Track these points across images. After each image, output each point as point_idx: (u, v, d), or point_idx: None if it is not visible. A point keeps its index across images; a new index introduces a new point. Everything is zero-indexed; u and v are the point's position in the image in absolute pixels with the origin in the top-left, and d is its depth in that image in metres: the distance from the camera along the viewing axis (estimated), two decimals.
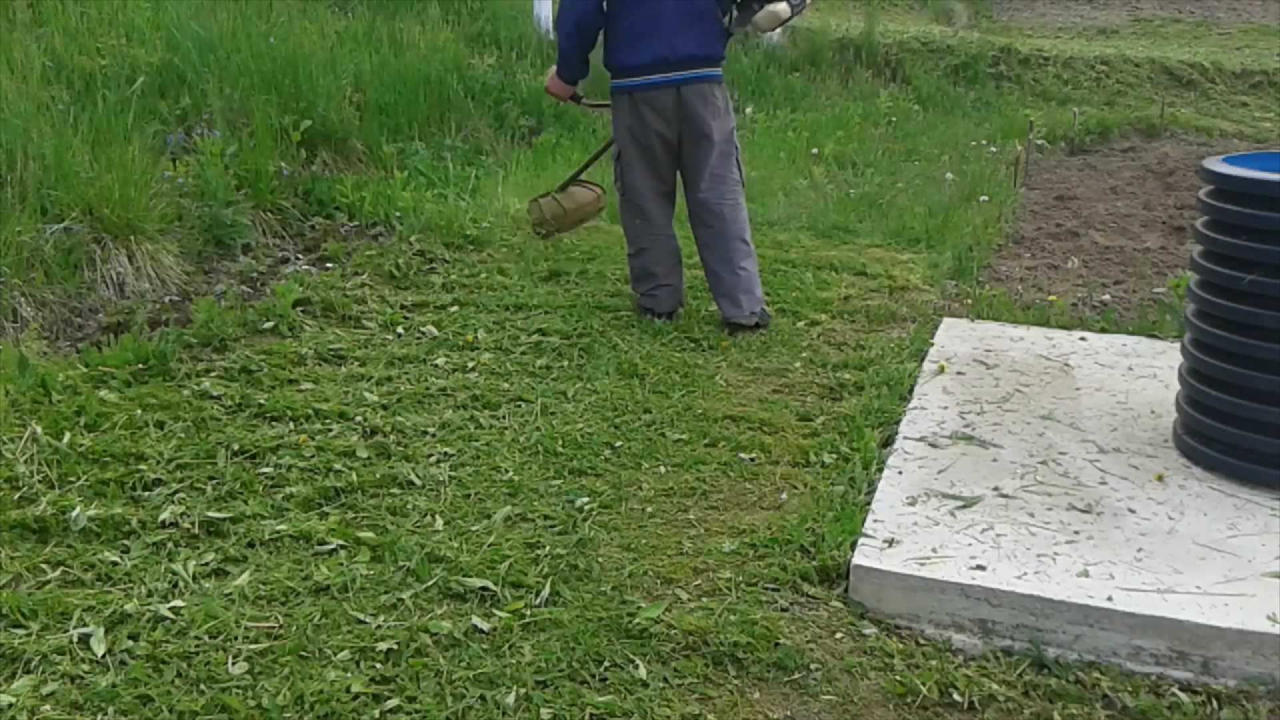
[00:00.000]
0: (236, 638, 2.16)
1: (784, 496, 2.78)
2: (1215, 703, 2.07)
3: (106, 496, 2.63)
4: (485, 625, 2.23)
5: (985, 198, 5.81)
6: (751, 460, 2.96)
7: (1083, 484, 2.69)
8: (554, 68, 4.10)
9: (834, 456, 2.96)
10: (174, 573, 2.36)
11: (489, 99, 6.93)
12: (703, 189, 3.94)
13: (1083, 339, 3.74)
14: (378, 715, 1.97)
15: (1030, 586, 2.24)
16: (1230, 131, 8.25)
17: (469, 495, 2.75)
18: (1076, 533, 2.46)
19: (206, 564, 2.40)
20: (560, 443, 3.01)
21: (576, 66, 4.02)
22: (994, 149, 7.07)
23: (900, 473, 2.76)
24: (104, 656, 2.09)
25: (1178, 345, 2.99)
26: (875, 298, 4.31)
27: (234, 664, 2.08)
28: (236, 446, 2.90)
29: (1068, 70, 9.53)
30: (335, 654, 2.12)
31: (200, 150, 4.60)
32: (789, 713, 2.05)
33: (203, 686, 2.03)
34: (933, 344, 3.68)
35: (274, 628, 2.20)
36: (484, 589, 2.34)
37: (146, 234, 4.07)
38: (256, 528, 2.54)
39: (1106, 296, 4.41)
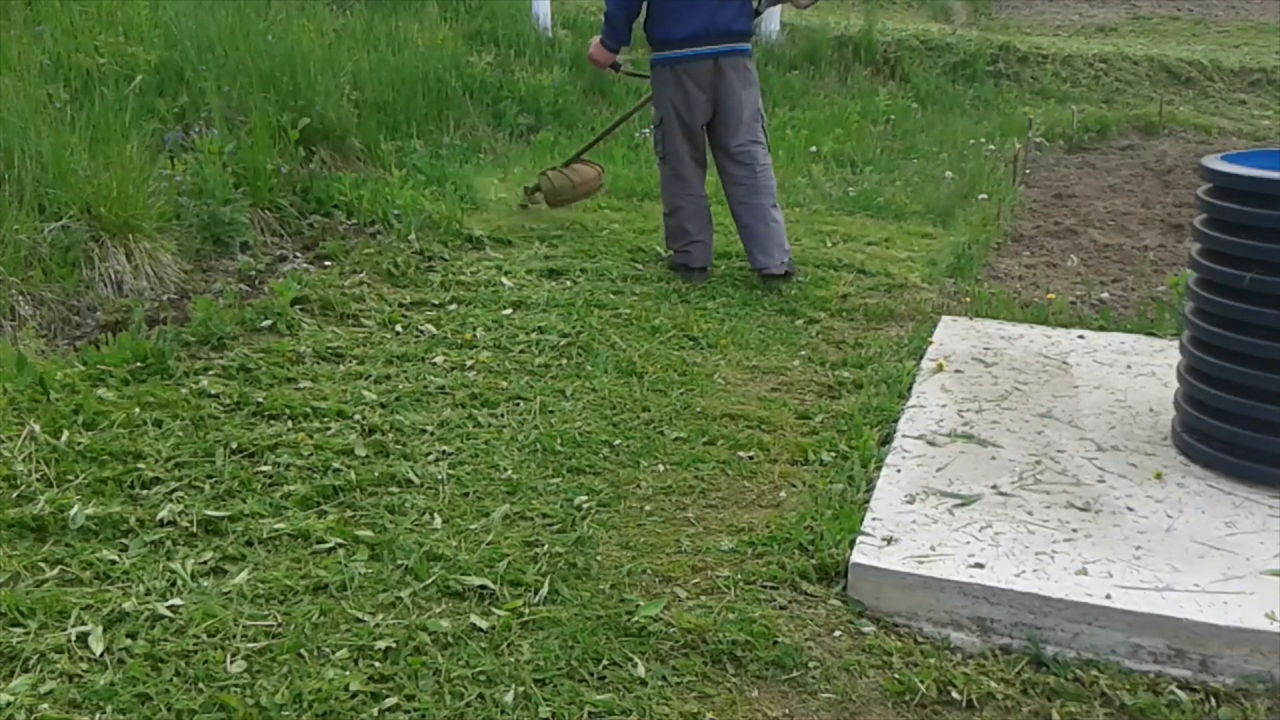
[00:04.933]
0: (235, 636, 2.16)
1: (783, 495, 2.78)
2: (1213, 700, 2.07)
3: (105, 495, 2.63)
4: (484, 623, 2.23)
5: (984, 196, 5.81)
6: (750, 458, 2.96)
7: (1081, 482, 2.70)
8: (597, 37, 4.48)
9: (833, 455, 2.97)
10: (172, 571, 2.36)
11: (487, 97, 6.92)
12: (736, 151, 4.33)
13: (1081, 337, 3.74)
14: (376, 714, 1.97)
15: (1029, 584, 2.24)
16: (1229, 129, 8.25)
17: (467, 494, 2.74)
18: (1075, 531, 2.46)
19: (205, 562, 2.40)
20: (559, 441, 3.01)
21: (622, 34, 4.40)
22: (992, 147, 7.07)
23: (899, 471, 2.76)
24: (102, 655, 2.09)
25: (1176, 343, 2.99)
26: (874, 296, 4.31)
27: (232, 662, 2.08)
28: (235, 445, 2.89)
29: (1066, 68, 9.53)
30: (334, 652, 2.12)
31: (198, 148, 4.59)
32: (788, 711, 2.05)
33: (201, 685, 2.03)
34: (931, 342, 3.68)
35: (272, 626, 2.20)
36: (482, 587, 2.34)
37: (144, 232, 4.06)
38: (255, 526, 2.54)
39: (1105, 294, 4.41)
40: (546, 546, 2.50)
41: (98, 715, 1.95)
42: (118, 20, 5.66)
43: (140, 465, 2.76)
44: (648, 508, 2.71)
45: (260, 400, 3.15)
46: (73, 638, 2.13)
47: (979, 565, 2.32)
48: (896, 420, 3.08)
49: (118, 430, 2.93)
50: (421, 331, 3.79)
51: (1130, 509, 2.56)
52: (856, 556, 2.37)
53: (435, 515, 2.63)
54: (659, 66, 4.31)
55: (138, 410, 3.04)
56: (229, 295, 3.94)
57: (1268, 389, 2.60)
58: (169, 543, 2.47)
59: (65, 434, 2.87)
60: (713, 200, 4.59)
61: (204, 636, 2.15)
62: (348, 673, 2.07)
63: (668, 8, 4.18)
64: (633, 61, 4.80)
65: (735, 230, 4.47)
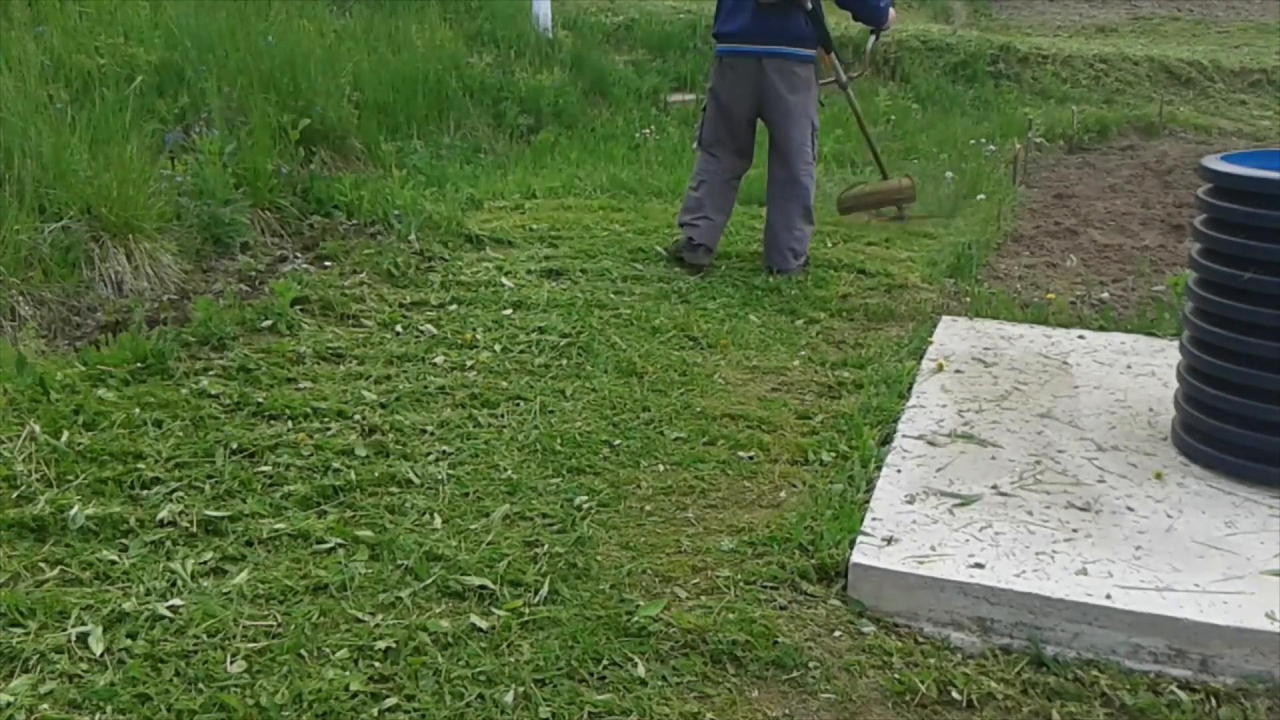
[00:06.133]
0: (235, 636, 2.16)
1: (783, 495, 2.78)
2: (1214, 700, 2.07)
3: (105, 495, 2.63)
4: (484, 624, 2.22)
5: (984, 196, 5.81)
6: (750, 458, 2.96)
7: (1081, 482, 2.69)
8: None
9: (833, 455, 2.96)
10: (172, 571, 2.36)
11: (487, 97, 6.93)
12: (778, 154, 4.52)
13: (1081, 337, 3.74)
14: (376, 714, 1.97)
15: (1029, 584, 2.24)
16: (1229, 129, 8.25)
17: (467, 494, 2.74)
18: (1075, 531, 2.46)
19: (205, 562, 2.40)
20: (559, 441, 3.01)
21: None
22: (993, 147, 7.07)
23: (899, 471, 2.76)
24: (102, 655, 2.09)
25: (1176, 343, 2.99)
26: (874, 296, 4.31)
27: (232, 663, 2.08)
28: (235, 445, 2.89)
29: (1066, 68, 9.53)
30: (334, 652, 2.12)
31: (199, 149, 4.59)
32: (788, 711, 2.05)
33: (201, 685, 2.03)
34: (931, 342, 3.68)
35: (272, 626, 2.20)
36: (482, 587, 2.34)
37: (145, 232, 4.06)
38: (255, 526, 2.54)
39: (1105, 294, 4.41)
40: (546, 546, 2.50)
41: (98, 715, 1.95)
42: (118, 21, 5.66)
43: (140, 465, 2.76)
44: (648, 508, 2.71)
45: (260, 400, 3.15)
46: (73, 638, 2.12)
47: (979, 565, 2.32)
48: (897, 420, 3.08)
49: (118, 430, 2.93)
50: (422, 332, 3.79)
51: (1130, 509, 2.56)
52: (856, 556, 2.37)
53: (435, 515, 2.63)
54: (715, 56, 4.58)
55: (138, 410, 3.04)
56: (229, 295, 3.94)
57: (1268, 389, 2.60)
58: (169, 543, 2.46)
59: (65, 434, 2.87)
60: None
61: (204, 637, 2.15)
62: (348, 673, 2.07)
63: (723, 4, 4.48)
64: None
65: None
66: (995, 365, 3.47)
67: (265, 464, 2.83)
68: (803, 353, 3.74)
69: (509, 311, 4.00)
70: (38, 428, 2.87)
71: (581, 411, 3.21)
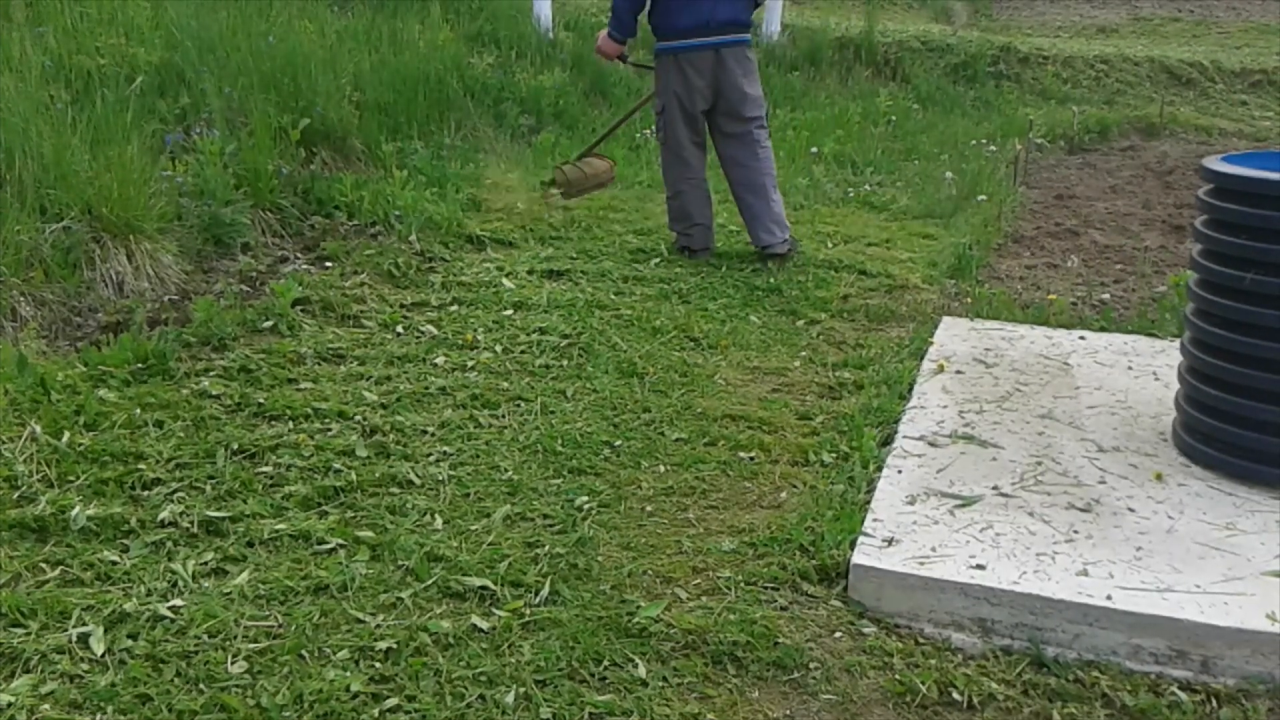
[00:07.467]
0: (236, 637, 2.16)
1: (783, 495, 2.78)
2: (1214, 701, 2.07)
3: (105, 496, 2.63)
4: (485, 624, 2.23)
5: (984, 197, 5.81)
6: (751, 459, 2.96)
7: (1082, 483, 2.69)
8: (604, 30, 4.69)
9: (833, 455, 2.97)
10: (173, 572, 2.36)
11: (488, 98, 6.92)
12: (739, 134, 4.57)
13: (1082, 338, 3.74)
14: (377, 714, 1.98)
15: (1029, 585, 2.24)
16: (1229, 130, 8.25)
17: (468, 494, 2.75)
18: (1076, 532, 2.46)
19: (206, 563, 2.40)
20: (560, 442, 3.01)
21: (628, 25, 4.60)
22: (993, 148, 7.07)
23: (900, 472, 2.76)
24: (103, 656, 2.09)
25: (1177, 344, 2.99)
26: (874, 297, 4.31)
27: (233, 663, 2.09)
28: (236, 446, 2.90)
29: (1067, 69, 9.53)
30: (334, 653, 2.12)
31: (199, 149, 4.59)
32: (788, 711, 2.05)
33: (202, 686, 2.03)
34: (932, 343, 3.68)
35: (273, 627, 2.20)
36: (483, 588, 2.34)
37: (145, 233, 4.06)
38: (256, 527, 2.54)
39: (1106, 295, 4.41)
40: (547, 547, 2.50)
41: (99, 716, 1.95)
42: (119, 21, 5.66)
43: (141, 466, 2.76)
44: (649, 508, 2.71)
45: (261, 401, 3.15)
46: (74, 638, 2.13)
47: (980, 566, 2.32)
48: (897, 421, 3.08)
49: (119, 431, 2.93)
50: (422, 332, 3.79)
51: (1131, 510, 2.56)
52: (857, 557, 2.37)
53: (436, 516, 2.63)
54: (663, 55, 4.53)
55: (139, 411, 3.04)
56: (230, 296, 3.94)
57: (1268, 390, 2.60)
58: (170, 543, 2.47)
59: (66, 435, 2.87)
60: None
61: (205, 637, 2.15)
62: (349, 673, 2.07)
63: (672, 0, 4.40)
64: (634, 58, 5.00)
65: (731, 224, 4.68)
66: (996, 366, 3.47)
67: (266, 464, 2.83)
68: (803, 353, 3.74)
69: (510, 312, 4.00)
70: (39, 428, 2.87)
71: (582, 412, 3.22)
